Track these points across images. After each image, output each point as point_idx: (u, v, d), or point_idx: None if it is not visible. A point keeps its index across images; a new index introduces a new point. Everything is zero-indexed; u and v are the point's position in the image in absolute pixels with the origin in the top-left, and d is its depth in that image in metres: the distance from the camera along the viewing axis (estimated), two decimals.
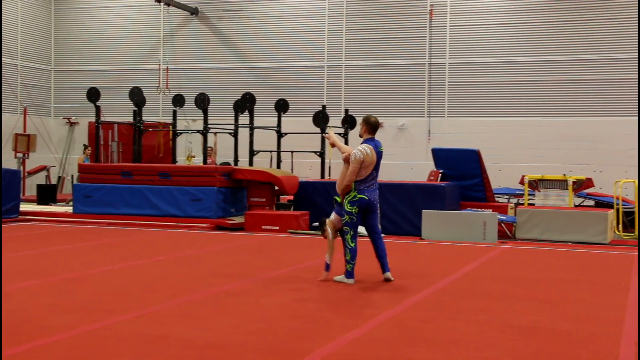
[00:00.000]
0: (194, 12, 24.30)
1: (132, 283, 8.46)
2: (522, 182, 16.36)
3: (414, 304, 7.46)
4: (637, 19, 20.13)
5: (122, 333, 6.00)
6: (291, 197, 16.55)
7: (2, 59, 22.10)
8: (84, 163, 18.70)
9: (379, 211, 8.83)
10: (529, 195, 16.09)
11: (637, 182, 14.98)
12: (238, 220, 15.41)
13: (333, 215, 8.91)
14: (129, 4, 25.23)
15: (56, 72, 26.08)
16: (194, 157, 21.66)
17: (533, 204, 15.81)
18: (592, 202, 17.26)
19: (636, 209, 14.48)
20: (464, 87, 21.78)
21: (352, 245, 8.59)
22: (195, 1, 24.27)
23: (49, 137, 24.48)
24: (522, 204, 16.23)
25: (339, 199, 8.85)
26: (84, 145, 20.14)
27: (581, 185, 15.88)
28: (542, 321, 6.66)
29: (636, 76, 20.08)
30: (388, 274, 8.71)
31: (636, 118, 19.97)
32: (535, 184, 15.84)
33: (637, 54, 20.12)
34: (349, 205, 8.56)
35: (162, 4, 23.39)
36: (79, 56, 25.78)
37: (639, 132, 18.57)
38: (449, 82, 21.91)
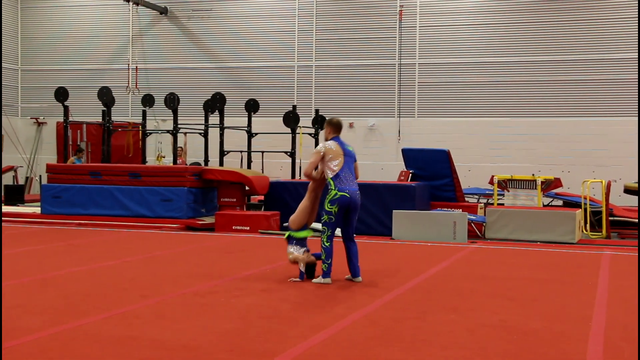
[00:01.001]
0: (163, 11, 24.18)
1: (102, 284, 8.39)
2: (491, 182, 16.47)
3: (385, 303, 7.48)
4: (603, 20, 20.42)
5: (92, 334, 5.96)
6: (262, 197, 16.53)
7: None
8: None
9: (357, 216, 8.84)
10: (499, 195, 16.21)
11: (604, 182, 15.15)
12: (208, 220, 15.35)
13: (295, 249, 8.82)
14: (98, 3, 25.05)
15: (23, 71, 25.81)
16: (164, 157, 21.57)
17: (502, 204, 15.92)
18: (560, 202, 17.44)
19: (604, 209, 14.65)
20: (434, 88, 21.91)
21: (328, 244, 8.59)
22: (164, 0, 24.15)
23: (16, 137, 24.22)
24: (492, 204, 16.34)
25: (294, 234, 8.83)
26: (78, 146, 19.78)
27: (550, 185, 16.03)
28: (511, 320, 6.72)
29: (605, 77, 20.36)
30: (359, 279, 8.73)
31: (604, 119, 20.26)
32: (504, 184, 15.95)
33: (606, 55, 20.38)
34: (329, 204, 8.52)
35: (130, 3, 23.25)
36: (46, 55, 25.54)
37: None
38: (418, 82, 22.03)
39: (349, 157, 8.73)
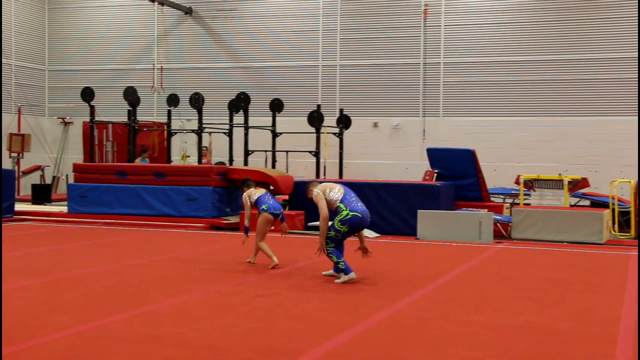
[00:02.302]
0: (187, 11, 24.26)
1: (127, 283, 8.43)
2: (517, 182, 16.36)
3: (410, 303, 7.45)
4: (632, 19, 20.19)
5: (117, 333, 5.98)
6: (286, 197, 16.53)
7: None
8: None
9: None
10: (525, 195, 16.09)
11: (633, 181, 14.98)
12: (233, 220, 15.39)
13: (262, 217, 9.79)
14: (123, 4, 25.18)
15: (50, 72, 26.02)
16: (188, 156, 21.63)
17: (529, 204, 15.81)
18: (587, 202, 17.27)
19: (632, 209, 14.49)
20: (459, 87, 21.78)
21: (332, 248, 8.65)
22: (189, 1, 24.23)
23: (43, 137, 24.42)
24: (518, 204, 16.23)
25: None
26: (142, 147, 19.85)
27: (577, 185, 15.88)
28: (536, 321, 6.66)
29: (632, 76, 20.11)
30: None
31: (632, 118, 20.01)
32: (530, 184, 15.84)
33: (632, 54, 20.15)
34: (339, 224, 8.60)
35: (156, 3, 23.36)
36: (73, 55, 25.73)
37: (639, 132, 18.57)
38: (443, 81, 21.91)
39: (343, 185, 8.96)
